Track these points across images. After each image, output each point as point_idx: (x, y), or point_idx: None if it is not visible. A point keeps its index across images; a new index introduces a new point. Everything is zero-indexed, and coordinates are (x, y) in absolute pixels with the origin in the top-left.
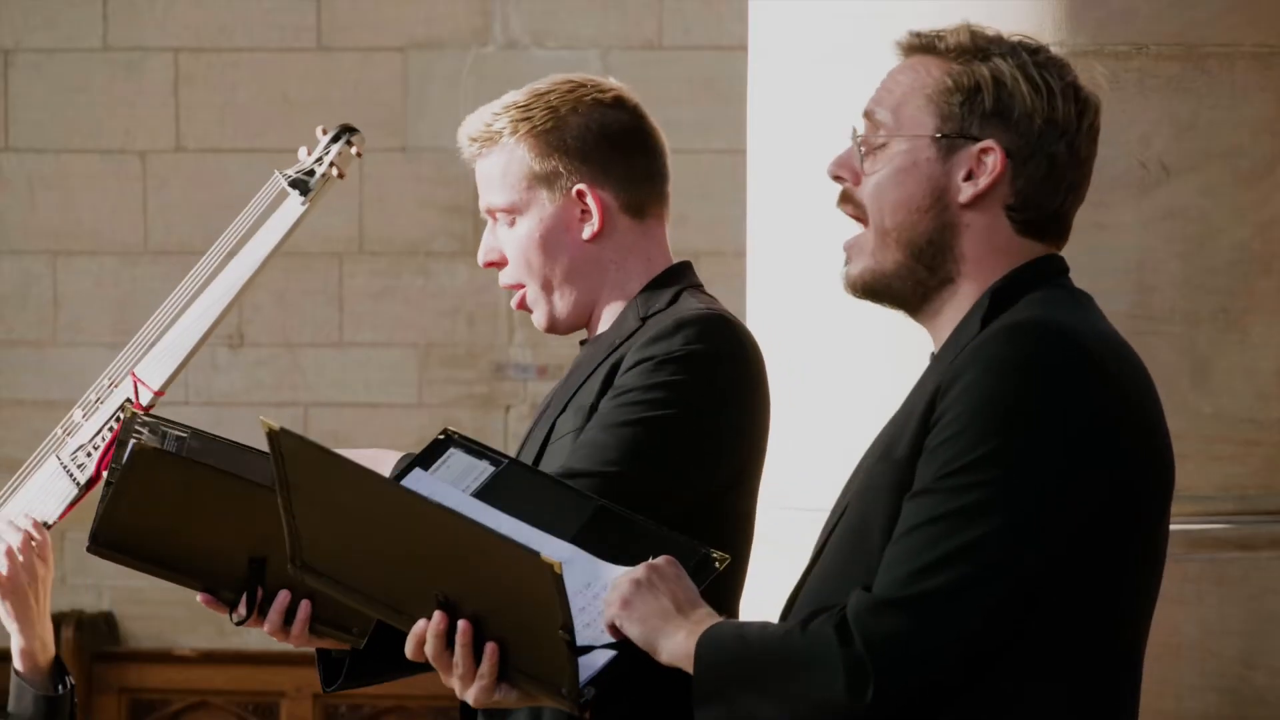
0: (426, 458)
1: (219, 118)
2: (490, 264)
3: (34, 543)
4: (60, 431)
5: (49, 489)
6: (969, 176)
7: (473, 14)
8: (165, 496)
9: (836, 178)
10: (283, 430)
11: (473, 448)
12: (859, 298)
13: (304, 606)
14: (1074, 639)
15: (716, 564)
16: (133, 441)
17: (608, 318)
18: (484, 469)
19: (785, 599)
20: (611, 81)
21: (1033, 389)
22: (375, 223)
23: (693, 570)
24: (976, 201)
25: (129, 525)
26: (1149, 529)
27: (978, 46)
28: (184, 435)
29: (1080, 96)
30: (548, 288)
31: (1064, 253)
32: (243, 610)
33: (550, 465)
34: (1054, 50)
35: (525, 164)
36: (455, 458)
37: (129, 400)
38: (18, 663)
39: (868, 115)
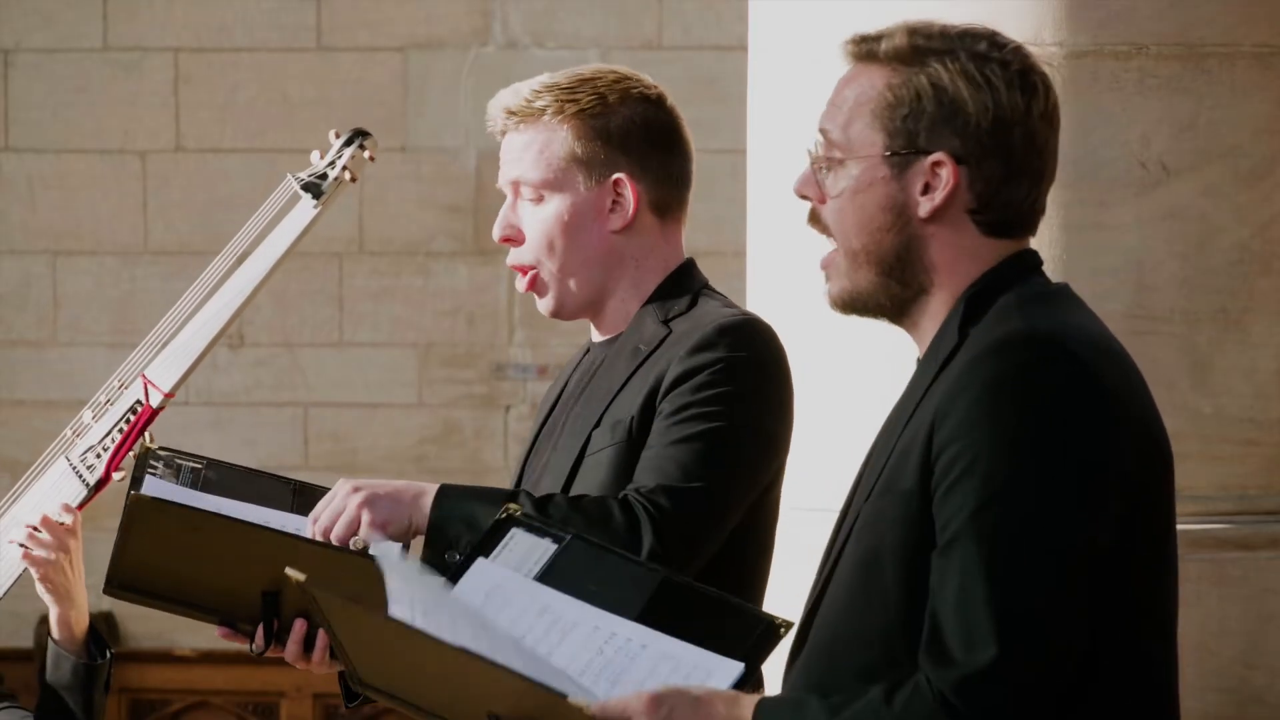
0: (489, 541)
1: (219, 118)
2: (506, 239)
3: (61, 523)
4: (70, 433)
5: (58, 490)
6: (926, 190)
7: (473, 14)
8: (170, 542)
9: (803, 196)
10: (309, 581)
11: (534, 526)
12: (842, 314)
13: (323, 634)
14: (1128, 648)
15: (781, 631)
16: (130, 493)
17: (618, 314)
18: (546, 548)
19: (795, 631)
20: (652, 80)
21: (1034, 411)
22: (375, 223)
23: (757, 638)
24: (937, 214)
25: (139, 569)
26: (1164, 518)
27: (916, 50)
28: (199, 466)
29: (1028, 83)
30: (564, 272)
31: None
32: (260, 641)
33: (587, 479)
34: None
35: (567, 144)
36: (517, 539)
37: (139, 402)
38: (55, 631)
39: (822, 132)
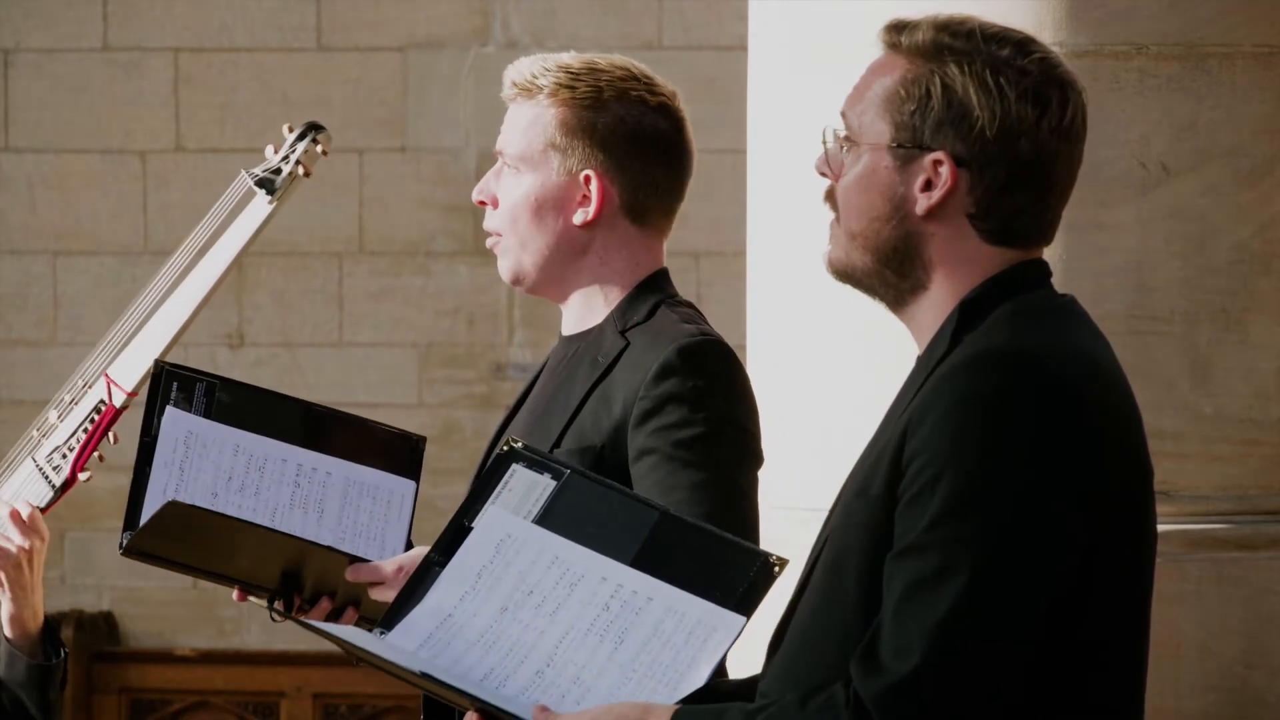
0: (491, 480)
1: (219, 118)
2: (481, 203)
3: (25, 516)
4: (35, 433)
5: (25, 491)
6: (927, 186)
7: (473, 14)
8: (199, 532)
9: (821, 173)
10: None
11: (535, 460)
12: (835, 279)
13: (350, 613)
14: (1082, 677)
15: (776, 570)
16: (167, 505)
17: (584, 308)
18: (546, 485)
19: (777, 622)
20: (667, 87)
21: (1001, 431)
22: (375, 223)
23: (754, 576)
24: (935, 212)
25: (162, 544)
26: (1137, 543)
27: (937, 47)
28: (214, 383)
29: (1042, 95)
30: (523, 247)
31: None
32: (281, 611)
33: None
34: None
35: (550, 129)
36: (518, 476)
37: (103, 401)
38: (7, 629)
39: (842, 114)
